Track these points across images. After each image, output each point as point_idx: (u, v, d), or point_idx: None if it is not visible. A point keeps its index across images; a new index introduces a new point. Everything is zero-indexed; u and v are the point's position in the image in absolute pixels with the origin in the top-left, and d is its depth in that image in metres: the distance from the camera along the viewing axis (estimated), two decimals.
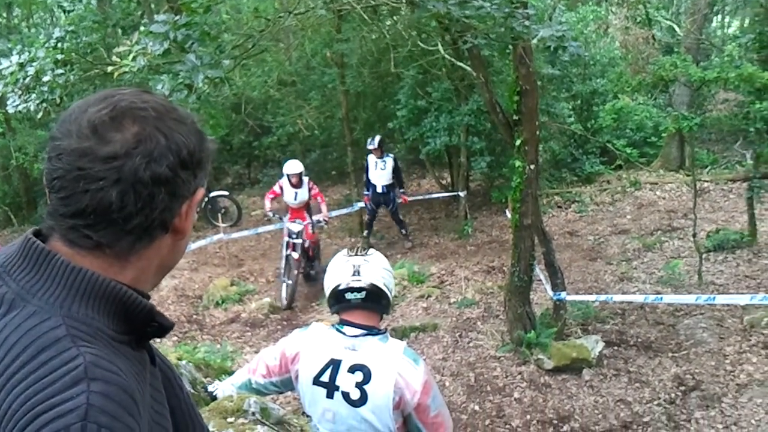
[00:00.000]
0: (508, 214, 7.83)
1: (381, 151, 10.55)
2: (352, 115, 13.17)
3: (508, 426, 5.71)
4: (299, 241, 8.90)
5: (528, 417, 5.78)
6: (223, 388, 2.70)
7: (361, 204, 11.18)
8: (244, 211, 13.17)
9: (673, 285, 8.08)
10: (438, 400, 2.44)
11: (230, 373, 3.30)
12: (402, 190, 10.95)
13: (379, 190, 10.62)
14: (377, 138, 10.66)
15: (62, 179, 0.94)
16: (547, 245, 6.78)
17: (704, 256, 8.34)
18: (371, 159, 10.63)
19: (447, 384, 6.25)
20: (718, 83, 8.54)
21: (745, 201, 9.17)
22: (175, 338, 7.40)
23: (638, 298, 7.45)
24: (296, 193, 9.11)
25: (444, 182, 13.53)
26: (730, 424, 5.35)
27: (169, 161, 0.96)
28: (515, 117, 6.21)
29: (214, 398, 2.73)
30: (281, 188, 9.14)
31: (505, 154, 10.71)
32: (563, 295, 6.78)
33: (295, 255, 8.81)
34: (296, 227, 8.92)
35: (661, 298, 7.19)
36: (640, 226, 10.70)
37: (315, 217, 9.34)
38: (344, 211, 11.72)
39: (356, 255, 2.54)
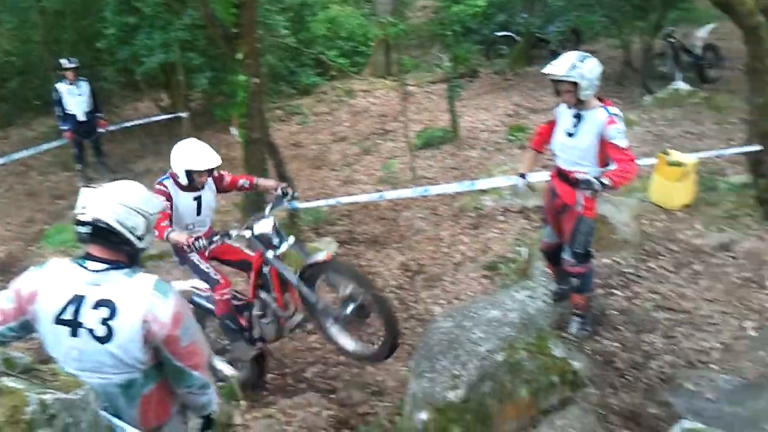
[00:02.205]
0: (233, 131, 7.81)
1: (75, 75, 9.73)
2: (52, 36, 11.90)
3: None
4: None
5: None
6: None
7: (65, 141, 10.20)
8: None
9: (391, 183, 8.79)
10: (191, 331, 2.46)
11: None
12: (100, 115, 10.16)
13: (81, 118, 9.81)
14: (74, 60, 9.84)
15: None
16: (276, 158, 6.95)
17: (415, 153, 9.16)
18: (62, 88, 9.72)
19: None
20: None
21: (447, 100, 10.17)
22: None
23: (362, 198, 7.96)
24: (198, 199, 4.81)
25: (163, 104, 12.93)
26: (451, 299, 6.09)
27: None
28: (234, 30, 6.14)
29: None
30: (169, 197, 4.65)
31: (225, 70, 10.50)
32: (295, 203, 7.04)
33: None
34: (264, 226, 4.66)
35: (383, 196, 7.75)
36: (357, 132, 11.36)
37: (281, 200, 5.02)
38: (54, 144, 10.68)
39: (95, 187, 2.42)
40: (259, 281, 4.87)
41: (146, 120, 12.21)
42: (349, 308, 4.57)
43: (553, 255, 4.83)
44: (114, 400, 2.40)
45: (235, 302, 4.97)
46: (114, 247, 2.40)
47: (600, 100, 4.31)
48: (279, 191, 4.98)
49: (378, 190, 8.47)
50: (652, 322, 4.88)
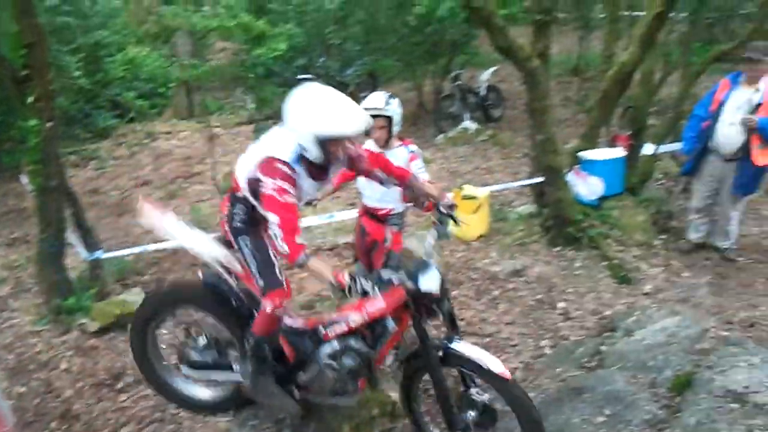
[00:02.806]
0: (23, 180, 7.26)
1: None
2: None
3: (60, 398, 5.48)
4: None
5: (80, 384, 5.63)
6: None
7: None
8: None
9: (202, 227, 8.58)
10: None
11: None
12: None
13: None
14: None
15: None
16: (75, 206, 6.57)
17: (225, 195, 9.04)
18: None
19: None
20: (218, 32, 9.15)
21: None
22: None
23: (170, 245, 7.70)
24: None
25: None
26: None
27: None
28: (24, 72, 5.76)
29: None
30: (295, 184, 3.27)
31: (13, 114, 9.74)
32: (98, 254, 6.69)
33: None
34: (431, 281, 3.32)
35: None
36: (162, 176, 10.99)
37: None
38: None
39: None
40: (366, 330, 3.44)
41: None
42: (471, 413, 3.45)
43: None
44: None
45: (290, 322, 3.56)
46: None
47: (400, 139, 4.61)
48: (446, 201, 3.50)
49: None
50: None
